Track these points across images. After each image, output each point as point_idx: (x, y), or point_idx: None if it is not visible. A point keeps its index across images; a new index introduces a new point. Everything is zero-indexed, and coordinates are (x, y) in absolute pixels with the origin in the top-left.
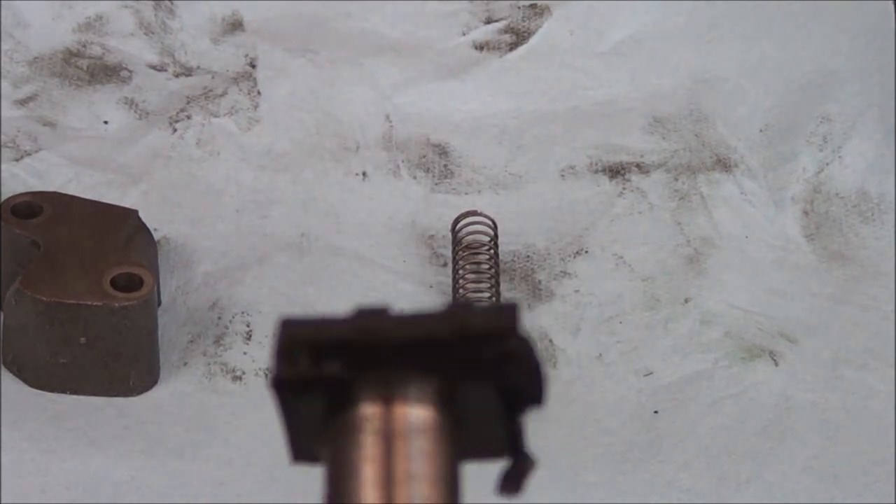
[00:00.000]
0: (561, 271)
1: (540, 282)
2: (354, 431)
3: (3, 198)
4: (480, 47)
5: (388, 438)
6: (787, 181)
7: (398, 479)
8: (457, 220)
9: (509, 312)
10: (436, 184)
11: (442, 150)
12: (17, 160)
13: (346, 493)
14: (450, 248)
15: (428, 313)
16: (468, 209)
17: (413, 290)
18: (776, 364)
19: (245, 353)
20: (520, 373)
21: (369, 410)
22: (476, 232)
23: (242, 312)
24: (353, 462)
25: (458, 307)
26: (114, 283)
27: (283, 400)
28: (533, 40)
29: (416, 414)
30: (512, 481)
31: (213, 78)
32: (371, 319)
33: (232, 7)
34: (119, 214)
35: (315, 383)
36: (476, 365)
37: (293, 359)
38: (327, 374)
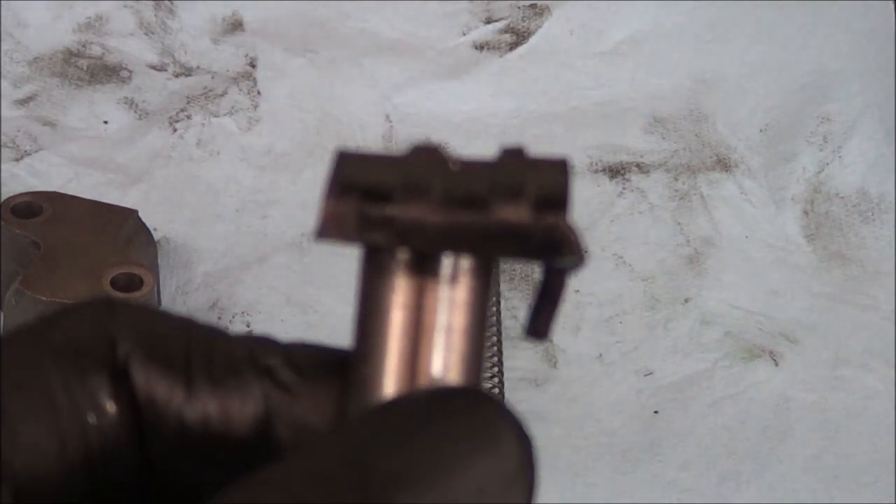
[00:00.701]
0: None
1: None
2: (389, 272)
3: (3, 198)
4: (480, 47)
5: (422, 283)
6: (787, 181)
7: (427, 329)
8: None
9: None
10: None
11: None
12: (17, 160)
13: (373, 334)
14: None
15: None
16: None
17: None
18: (776, 364)
19: None
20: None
21: (404, 256)
22: None
23: (242, 312)
24: (383, 305)
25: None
26: (113, 284)
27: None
28: (533, 40)
29: (454, 265)
30: (542, 321)
31: (213, 78)
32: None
33: (232, 7)
34: (119, 214)
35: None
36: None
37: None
38: (374, 238)
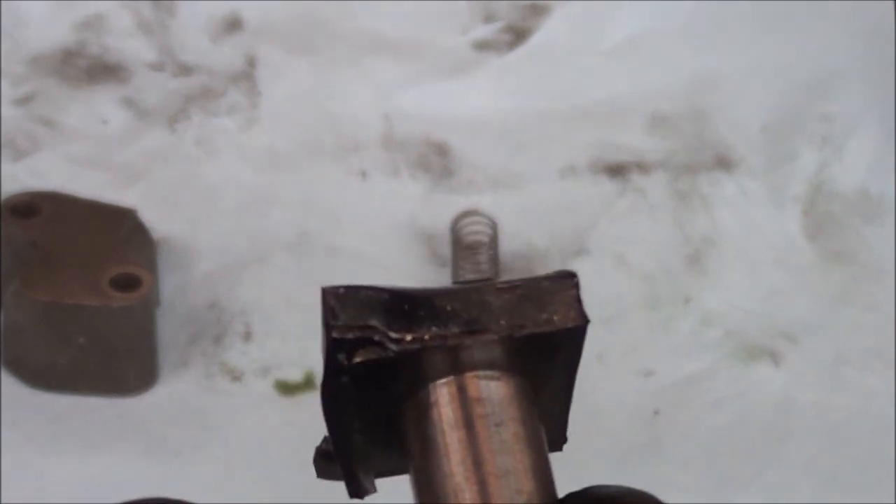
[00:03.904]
0: None
1: None
2: (430, 413)
3: (3, 198)
4: (480, 47)
5: (468, 415)
6: (787, 181)
7: (486, 459)
8: (456, 220)
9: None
10: (435, 183)
11: (442, 150)
12: (16, 160)
13: (436, 483)
14: (449, 247)
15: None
16: (468, 208)
17: None
18: (777, 364)
19: (244, 354)
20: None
21: (443, 387)
22: (476, 232)
23: (241, 312)
24: (436, 451)
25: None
26: (112, 283)
27: (346, 395)
28: (533, 40)
29: (491, 384)
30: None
31: (212, 78)
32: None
33: (231, 6)
34: (118, 214)
35: (386, 362)
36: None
37: (352, 341)
38: (405, 350)
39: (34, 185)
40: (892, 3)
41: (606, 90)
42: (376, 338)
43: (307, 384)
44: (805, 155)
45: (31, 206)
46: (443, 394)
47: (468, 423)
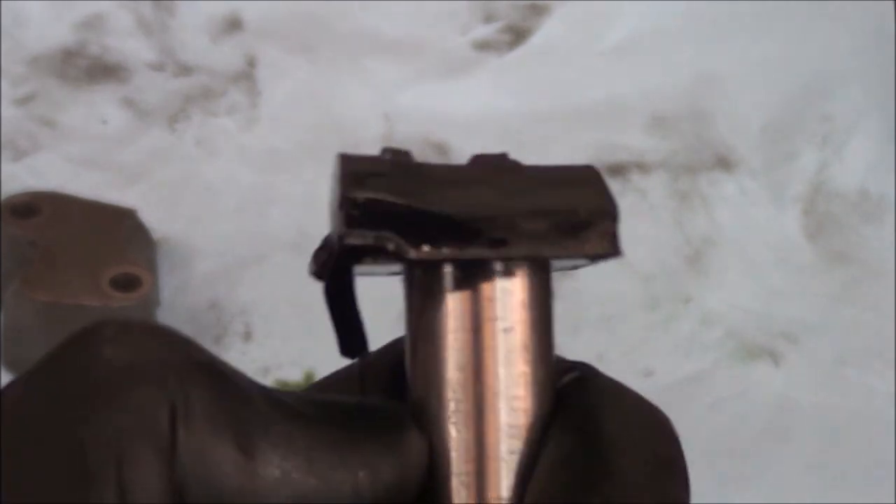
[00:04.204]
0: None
1: None
2: (437, 297)
3: (3, 198)
4: (480, 47)
5: (477, 316)
6: (787, 181)
7: (487, 369)
8: None
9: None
10: None
11: (442, 150)
12: (16, 160)
13: (430, 379)
14: None
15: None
16: None
17: None
18: (777, 364)
19: (244, 354)
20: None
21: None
22: None
23: (241, 312)
24: (435, 343)
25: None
26: (112, 283)
27: (345, 270)
28: (533, 40)
29: (507, 283)
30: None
31: (212, 78)
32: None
33: (231, 6)
34: (118, 214)
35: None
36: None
37: (359, 218)
38: (422, 258)
39: (34, 185)
40: (892, 3)
41: (606, 90)
42: (391, 247)
43: (307, 384)
44: (805, 155)
45: (31, 206)
46: (452, 283)
47: (476, 326)
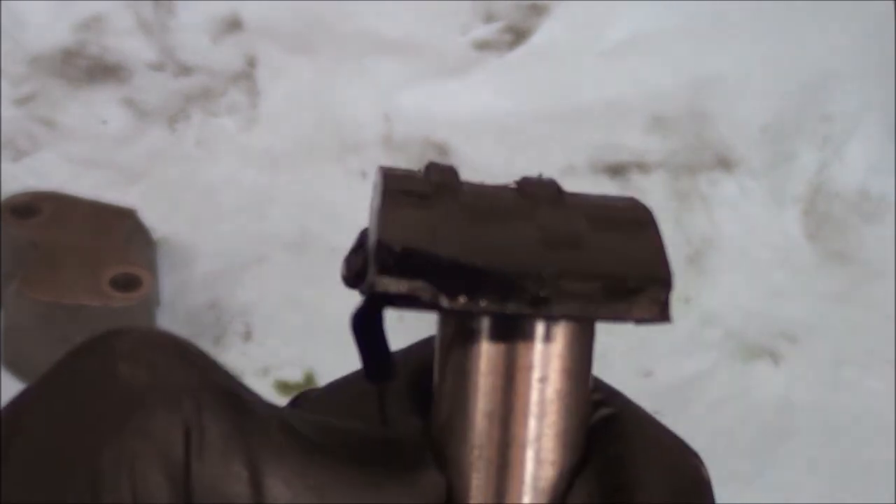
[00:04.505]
0: None
1: None
2: (471, 340)
3: (3, 198)
4: (480, 47)
5: (511, 363)
6: (787, 181)
7: (516, 420)
8: None
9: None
10: None
11: (442, 150)
12: (16, 160)
13: (455, 425)
14: None
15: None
16: None
17: None
18: (777, 364)
19: (244, 354)
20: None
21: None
22: None
23: (241, 312)
24: (464, 388)
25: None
26: (112, 283)
27: (375, 314)
28: (533, 40)
29: (546, 331)
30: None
31: (212, 78)
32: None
33: (231, 6)
34: (118, 214)
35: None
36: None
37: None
38: (457, 309)
39: (34, 185)
40: (892, 3)
41: (606, 90)
42: (425, 297)
43: (307, 384)
44: (805, 155)
45: (31, 206)
46: (488, 328)
47: (508, 372)
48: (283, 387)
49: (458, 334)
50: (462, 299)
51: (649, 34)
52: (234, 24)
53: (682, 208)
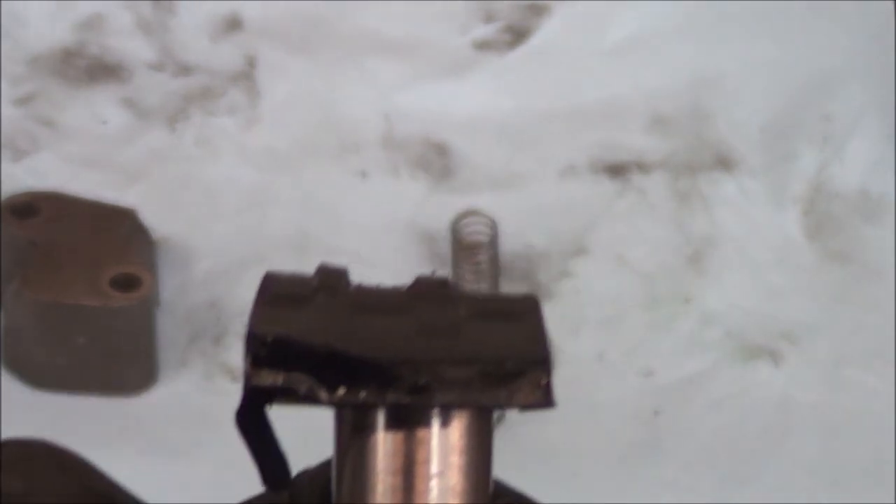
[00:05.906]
0: (561, 271)
1: (540, 282)
2: (368, 438)
3: (3, 198)
4: (480, 47)
5: (408, 459)
6: (787, 181)
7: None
8: (456, 220)
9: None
10: (435, 184)
11: (442, 150)
12: (16, 160)
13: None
14: (449, 248)
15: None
16: (468, 209)
17: None
18: (777, 364)
19: None
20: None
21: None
22: (476, 232)
23: (241, 312)
24: (364, 485)
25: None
26: (112, 283)
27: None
28: (533, 40)
29: (440, 425)
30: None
31: (212, 78)
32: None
33: (231, 6)
34: (118, 214)
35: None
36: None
37: (274, 362)
38: (338, 402)
39: (34, 185)
40: (892, 4)
41: (606, 90)
42: (302, 389)
43: None
44: (805, 155)
45: (31, 206)
46: (384, 422)
47: (406, 468)
48: None
49: (353, 434)
50: (341, 391)
51: (649, 34)
52: (234, 24)
53: (683, 208)
